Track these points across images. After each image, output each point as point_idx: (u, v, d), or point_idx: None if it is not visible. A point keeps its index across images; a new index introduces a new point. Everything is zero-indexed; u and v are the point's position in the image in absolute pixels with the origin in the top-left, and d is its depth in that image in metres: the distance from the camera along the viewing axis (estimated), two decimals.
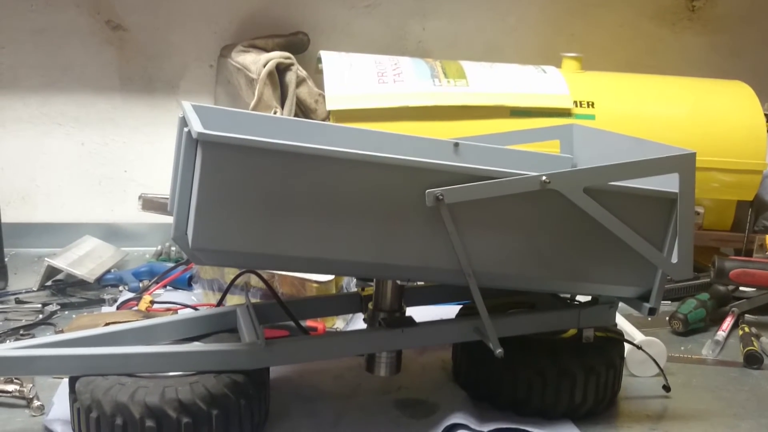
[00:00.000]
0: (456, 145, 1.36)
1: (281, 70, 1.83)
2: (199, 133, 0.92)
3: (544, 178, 1.02)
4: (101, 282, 1.70)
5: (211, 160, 0.93)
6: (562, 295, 1.26)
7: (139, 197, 1.79)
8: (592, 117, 1.77)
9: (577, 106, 1.77)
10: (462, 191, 1.00)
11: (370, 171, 0.98)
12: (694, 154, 1.08)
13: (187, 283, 1.66)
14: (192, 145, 0.97)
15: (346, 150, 0.97)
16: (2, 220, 1.70)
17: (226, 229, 0.94)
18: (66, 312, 1.55)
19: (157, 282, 1.66)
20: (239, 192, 0.94)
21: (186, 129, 1.01)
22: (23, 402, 1.17)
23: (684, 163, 1.08)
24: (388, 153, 1.28)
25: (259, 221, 0.95)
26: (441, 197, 0.99)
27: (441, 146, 1.35)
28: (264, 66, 1.78)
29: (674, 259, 1.10)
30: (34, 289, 1.66)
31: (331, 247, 0.99)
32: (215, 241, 0.95)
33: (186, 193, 0.99)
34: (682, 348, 1.50)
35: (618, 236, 1.07)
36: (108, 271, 1.74)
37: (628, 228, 1.07)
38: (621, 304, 1.21)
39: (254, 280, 1.39)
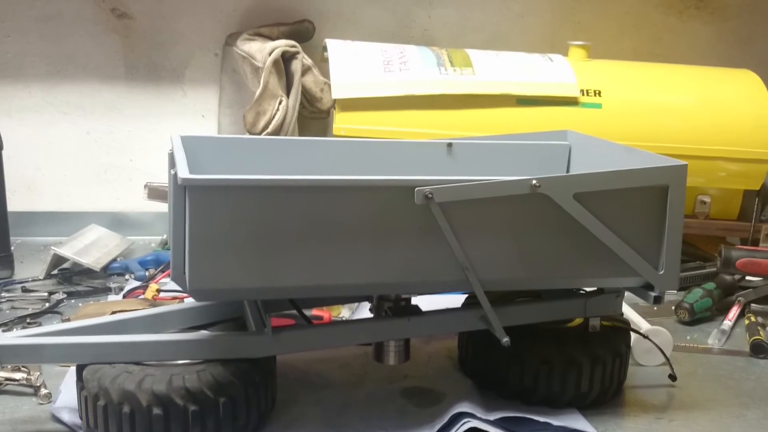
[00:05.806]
0: (449, 145, 1.35)
1: (287, 58, 1.82)
2: (183, 179, 0.92)
3: (534, 182, 1.02)
4: (107, 270, 1.70)
5: (200, 204, 0.92)
6: None
7: (145, 186, 1.79)
8: (598, 106, 1.76)
9: (583, 94, 1.76)
10: (452, 190, 1.00)
11: (358, 193, 0.98)
12: (685, 166, 1.08)
13: None
14: (180, 188, 0.97)
15: (330, 177, 0.98)
16: (8, 209, 1.70)
17: (221, 268, 0.95)
18: (72, 300, 1.55)
19: (163, 270, 1.66)
20: (231, 231, 0.94)
21: (173, 171, 1.00)
22: (30, 390, 1.18)
23: (674, 174, 1.07)
24: (381, 162, 1.28)
25: (253, 257, 0.96)
26: (430, 195, 0.99)
27: (433, 148, 1.34)
28: (269, 54, 1.78)
29: (661, 270, 1.10)
30: (41, 277, 1.66)
31: (328, 273, 0.99)
32: (212, 281, 0.95)
33: (180, 235, 0.99)
34: (688, 337, 1.50)
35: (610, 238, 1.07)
36: (114, 260, 1.74)
37: (617, 237, 1.07)
38: (627, 293, 1.21)
39: None
